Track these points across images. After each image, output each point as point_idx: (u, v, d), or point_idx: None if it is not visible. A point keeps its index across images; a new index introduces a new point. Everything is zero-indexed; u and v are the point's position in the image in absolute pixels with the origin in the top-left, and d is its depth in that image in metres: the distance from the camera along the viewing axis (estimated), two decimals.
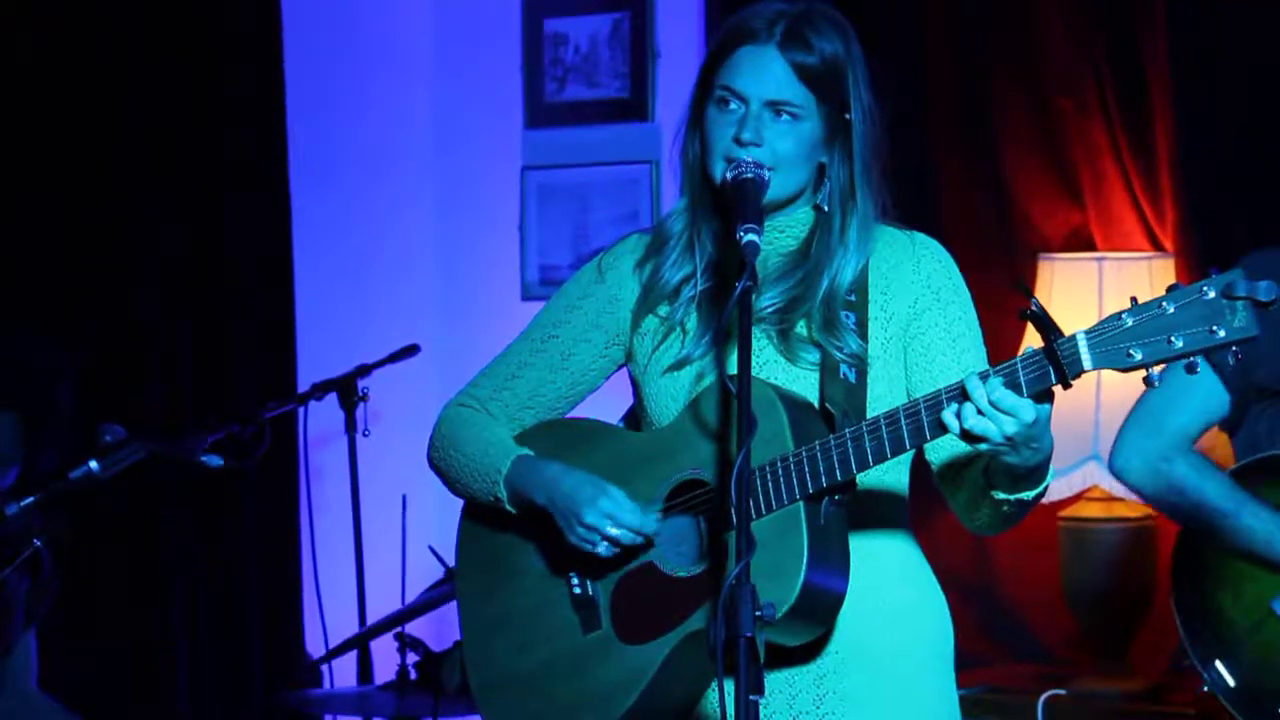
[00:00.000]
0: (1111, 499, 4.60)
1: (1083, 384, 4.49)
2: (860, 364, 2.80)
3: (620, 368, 3.02)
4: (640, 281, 2.95)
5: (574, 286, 3.03)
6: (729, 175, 2.78)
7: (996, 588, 4.97)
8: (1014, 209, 4.93)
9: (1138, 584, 4.60)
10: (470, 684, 3.03)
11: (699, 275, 2.89)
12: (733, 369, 2.70)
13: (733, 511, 2.43)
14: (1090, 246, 4.83)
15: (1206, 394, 3.69)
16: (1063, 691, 4.62)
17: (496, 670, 2.99)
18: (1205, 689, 3.64)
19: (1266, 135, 4.58)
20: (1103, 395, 4.54)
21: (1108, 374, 4.46)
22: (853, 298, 2.84)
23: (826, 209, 2.86)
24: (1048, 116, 4.90)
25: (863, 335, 2.82)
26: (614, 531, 2.78)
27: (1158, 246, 4.76)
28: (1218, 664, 3.63)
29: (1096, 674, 4.64)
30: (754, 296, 2.78)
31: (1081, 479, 4.59)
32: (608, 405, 3.09)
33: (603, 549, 2.79)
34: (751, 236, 2.65)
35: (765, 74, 2.79)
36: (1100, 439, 4.53)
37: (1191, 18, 4.66)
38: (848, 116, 2.84)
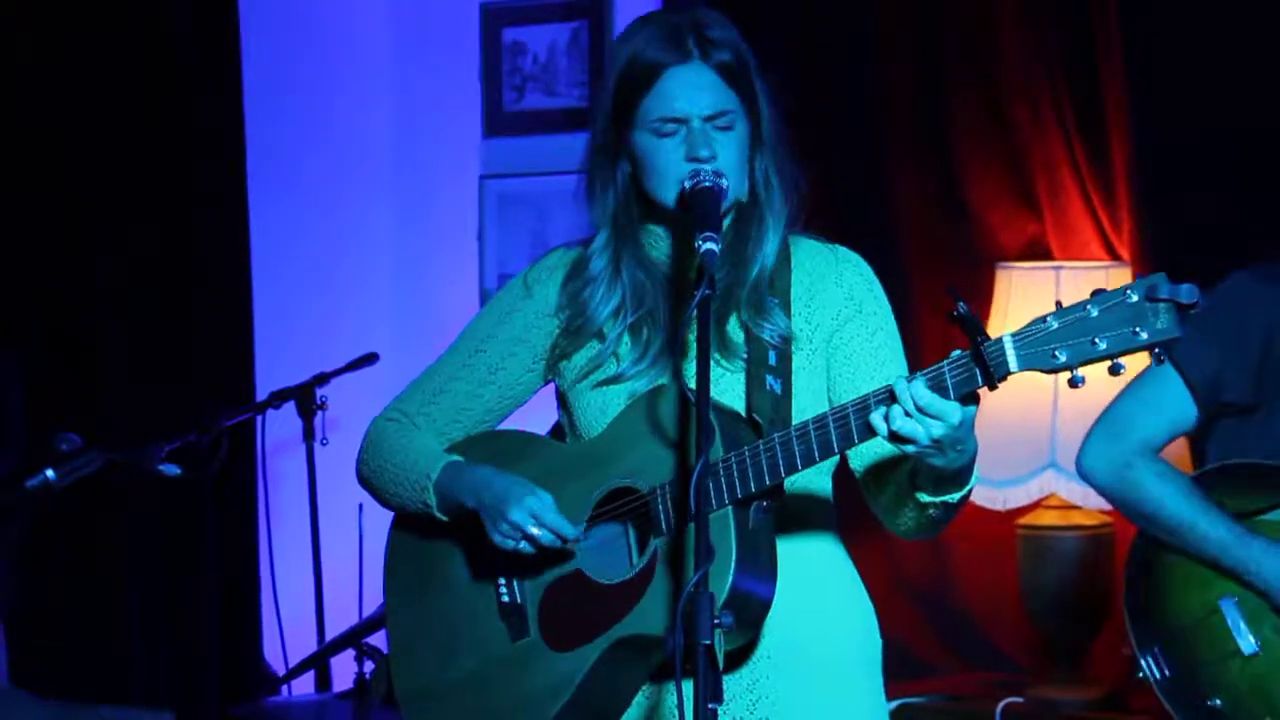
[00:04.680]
0: (1069, 507, 4.62)
1: (1040, 393, 4.55)
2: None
3: (548, 383, 3.04)
4: (567, 300, 2.96)
5: (500, 302, 3.04)
6: (687, 185, 2.79)
7: (954, 596, 4.98)
8: (971, 219, 4.95)
9: (1095, 591, 4.62)
10: (396, 694, 3.03)
11: (628, 307, 2.90)
12: (684, 379, 2.76)
13: (686, 516, 2.44)
14: (1047, 256, 4.85)
15: (1177, 409, 3.74)
16: (1020, 699, 4.64)
17: (423, 680, 3.00)
18: (1140, 675, 3.72)
19: (1222, 145, 4.61)
20: (1060, 403, 4.56)
21: (1065, 383, 4.50)
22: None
23: (746, 199, 2.87)
24: (1004, 126, 4.92)
25: (787, 345, 2.84)
26: (535, 531, 2.79)
27: (1114, 256, 4.78)
28: (1152, 653, 3.69)
29: (1054, 681, 4.65)
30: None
31: (1039, 487, 4.61)
32: (534, 418, 3.10)
33: (523, 546, 2.81)
34: (710, 245, 2.67)
35: (698, 91, 2.80)
36: (1057, 447, 4.55)
37: (1146, 27, 4.68)
38: (758, 103, 2.86)
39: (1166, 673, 3.67)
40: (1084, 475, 3.80)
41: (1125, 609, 3.78)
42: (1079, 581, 4.60)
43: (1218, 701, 3.61)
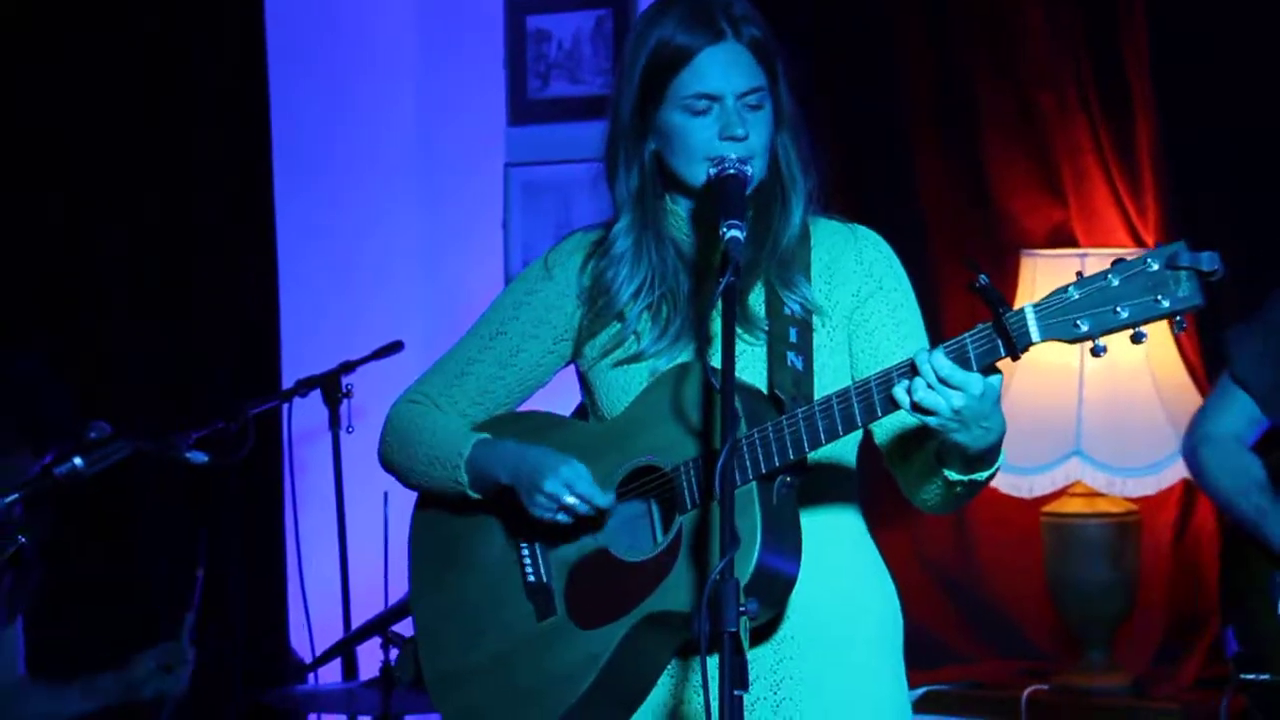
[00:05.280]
0: (1094, 494, 4.62)
1: (1066, 380, 4.55)
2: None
3: (568, 364, 3.05)
4: (587, 282, 2.98)
5: (521, 284, 3.05)
6: (712, 172, 2.80)
7: (980, 583, 4.98)
8: (996, 206, 4.95)
9: (1121, 578, 4.61)
10: (424, 676, 3.04)
11: (652, 284, 2.91)
12: (708, 360, 2.78)
13: (712, 496, 2.45)
14: (1072, 243, 4.85)
15: (1241, 400, 3.94)
16: (1046, 686, 4.64)
17: (451, 661, 3.01)
18: (1224, 651, 3.91)
19: (1247, 130, 4.60)
20: (1086, 391, 4.56)
21: (1090, 371, 4.51)
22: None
23: (767, 177, 2.88)
24: (1029, 113, 4.91)
25: (808, 324, 2.85)
26: (570, 500, 2.80)
27: (1139, 242, 4.77)
28: (1231, 630, 3.86)
29: (1080, 669, 4.65)
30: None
31: (1064, 474, 4.60)
32: (557, 400, 3.11)
33: (561, 516, 2.82)
34: (735, 233, 2.68)
35: (733, 69, 2.82)
36: (1083, 435, 4.54)
37: (1172, 12, 4.67)
38: (779, 82, 2.88)
39: (1234, 649, 3.77)
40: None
41: (1218, 586, 3.97)
42: (1104, 569, 4.60)
43: (1266, 676, 3.68)
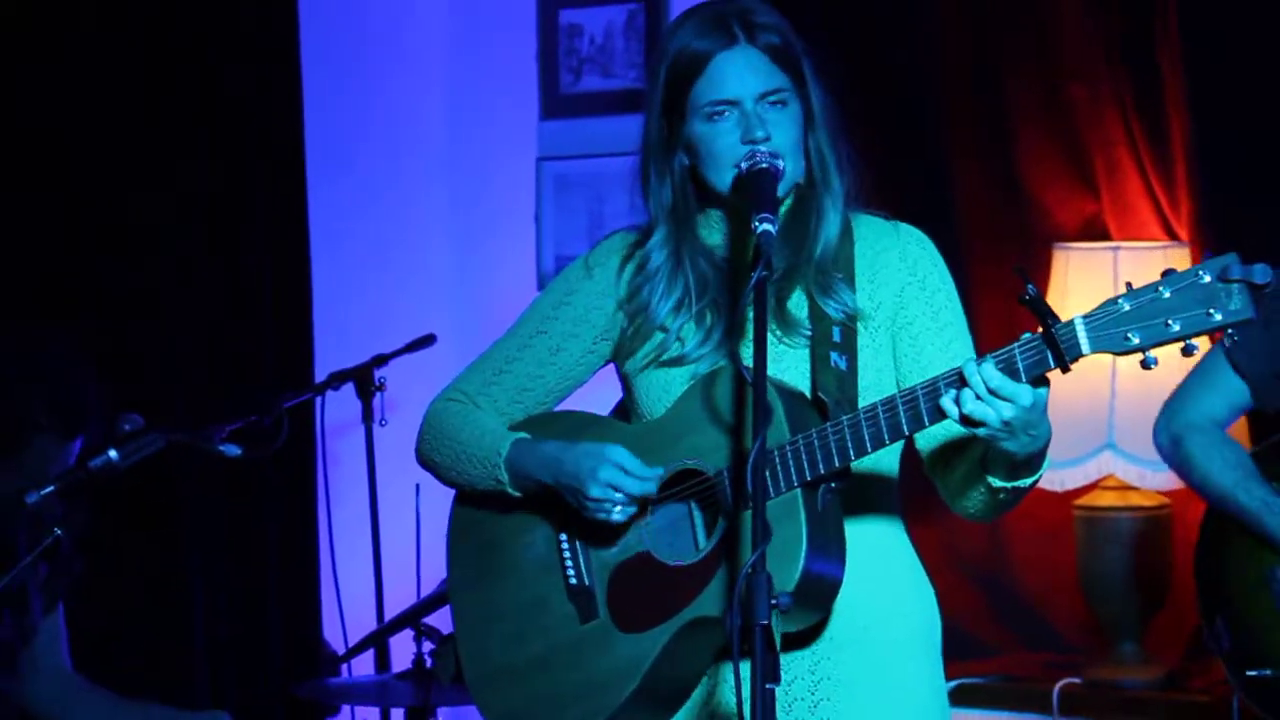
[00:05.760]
0: (1126, 488, 4.61)
1: (1098, 373, 4.54)
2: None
3: (607, 363, 3.05)
4: (624, 292, 2.98)
5: (561, 283, 3.06)
6: (743, 166, 2.81)
7: (1012, 576, 4.98)
8: (1028, 199, 4.94)
9: (1153, 572, 4.61)
10: (465, 676, 3.04)
11: (690, 299, 2.92)
12: (742, 359, 2.78)
13: (750, 499, 2.46)
14: (1105, 236, 4.84)
15: (1231, 386, 3.87)
16: (1078, 680, 4.64)
17: (492, 662, 3.01)
18: (1209, 644, 3.86)
19: None
20: (1118, 384, 4.55)
21: (1123, 364, 4.49)
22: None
23: (803, 180, 2.88)
24: (1061, 106, 4.90)
25: (852, 321, 2.85)
26: (619, 496, 2.81)
27: (1173, 236, 4.76)
28: (1216, 623, 3.81)
29: (1112, 662, 4.65)
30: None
31: (1096, 468, 4.60)
32: (593, 399, 3.11)
33: (617, 515, 2.83)
34: (766, 226, 2.68)
35: (748, 71, 2.83)
36: (1115, 428, 4.54)
37: (1204, 3, 4.65)
38: (808, 84, 2.88)
39: (1225, 644, 3.73)
40: (1155, 445, 4.00)
41: (1195, 578, 3.89)
42: (1136, 562, 4.60)
43: (1267, 671, 3.66)
